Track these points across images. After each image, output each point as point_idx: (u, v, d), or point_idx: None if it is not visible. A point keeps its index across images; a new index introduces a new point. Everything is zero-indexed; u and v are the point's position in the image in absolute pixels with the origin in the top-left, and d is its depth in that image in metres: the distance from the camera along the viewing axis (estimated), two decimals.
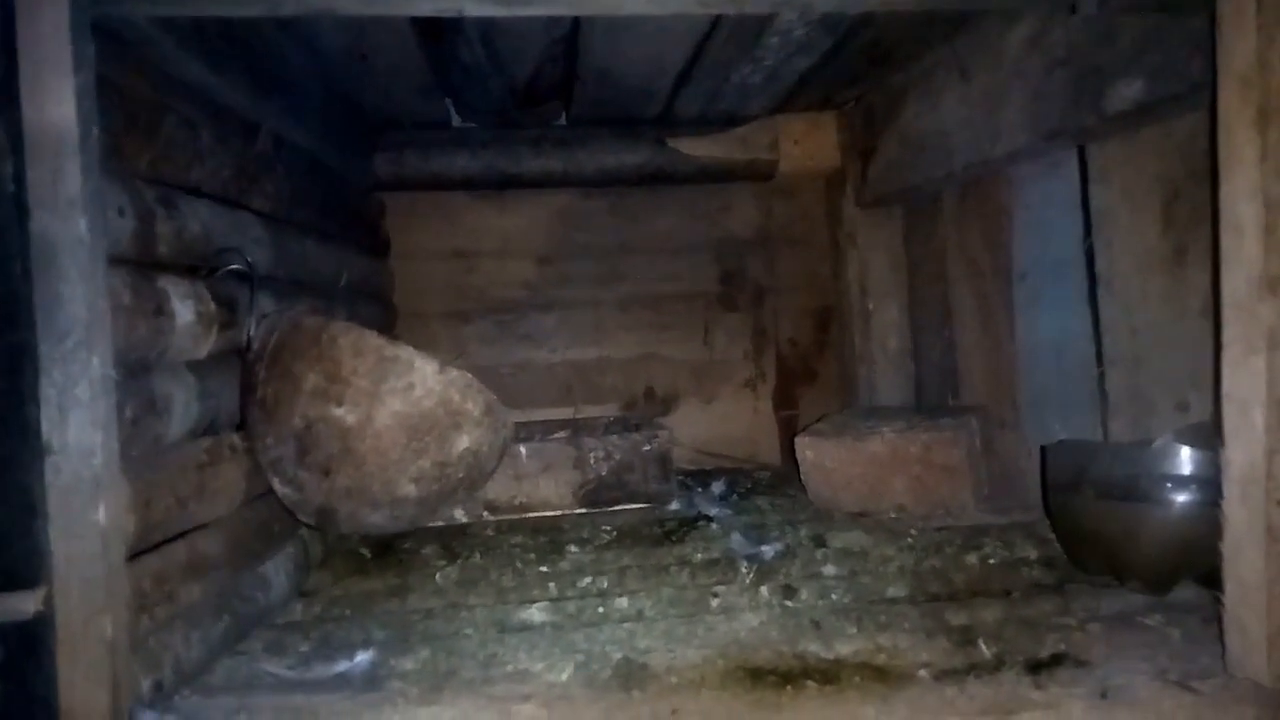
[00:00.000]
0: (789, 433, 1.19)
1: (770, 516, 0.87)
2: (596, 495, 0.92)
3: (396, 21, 0.76)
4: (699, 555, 0.74)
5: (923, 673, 0.48)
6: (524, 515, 0.90)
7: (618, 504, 0.92)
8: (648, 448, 0.93)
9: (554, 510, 0.90)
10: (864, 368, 1.14)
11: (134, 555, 0.46)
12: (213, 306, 0.57)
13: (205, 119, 0.61)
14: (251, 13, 0.49)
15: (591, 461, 0.91)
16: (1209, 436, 0.58)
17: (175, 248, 0.54)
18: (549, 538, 0.82)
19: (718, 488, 0.98)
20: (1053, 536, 0.70)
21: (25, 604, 0.41)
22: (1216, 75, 0.45)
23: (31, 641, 0.41)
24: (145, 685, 0.45)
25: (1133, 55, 0.59)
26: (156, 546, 0.49)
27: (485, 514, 0.90)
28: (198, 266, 0.57)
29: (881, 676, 0.48)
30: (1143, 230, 0.68)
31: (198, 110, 0.60)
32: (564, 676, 0.50)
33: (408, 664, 0.53)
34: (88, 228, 0.42)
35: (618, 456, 0.92)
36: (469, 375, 0.63)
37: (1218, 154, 0.45)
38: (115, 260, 0.46)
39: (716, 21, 0.78)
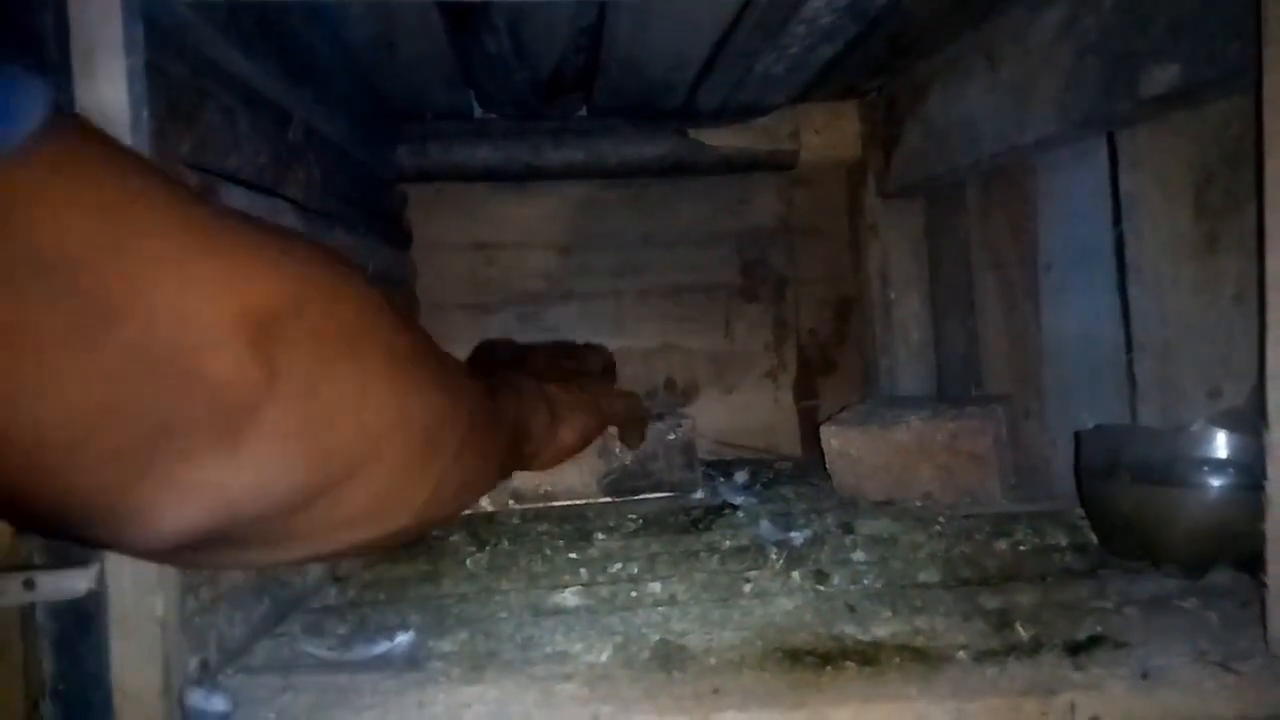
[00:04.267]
0: (809, 423, 1.19)
1: (796, 505, 0.87)
2: (620, 484, 0.92)
3: (425, 10, 0.76)
4: (727, 542, 0.74)
5: (961, 654, 0.48)
6: (550, 504, 0.90)
7: (642, 493, 0.92)
8: (672, 436, 0.93)
9: (579, 499, 0.91)
10: (885, 358, 1.14)
11: None
12: None
13: (241, 106, 0.61)
14: None
15: (616, 450, 0.91)
16: (1245, 421, 0.58)
17: None
18: (576, 525, 0.82)
19: (741, 477, 0.99)
20: (1083, 523, 0.70)
21: (78, 582, 0.41)
22: (1261, 56, 0.44)
23: (85, 619, 0.42)
24: (192, 664, 0.46)
25: (1168, 39, 0.59)
26: None
27: (511, 502, 0.90)
28: None
29: (920, 658, 0.48)
30: (1174, 216, 0.68)
31: (234, 98, 0.60)
32: (603, 657, 0.50)
33: (446, 646, 0.53)
34: None
35: (642, 445, 0.92)
36: None
37: (1262, 136, 0.45)
38: None
39: (743, 10, 0.78)
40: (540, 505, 0.90)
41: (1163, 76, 0.60)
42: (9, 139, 0.24)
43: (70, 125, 0.28)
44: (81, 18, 0.41)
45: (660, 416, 0.97)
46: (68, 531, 0.35)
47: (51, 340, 0.25)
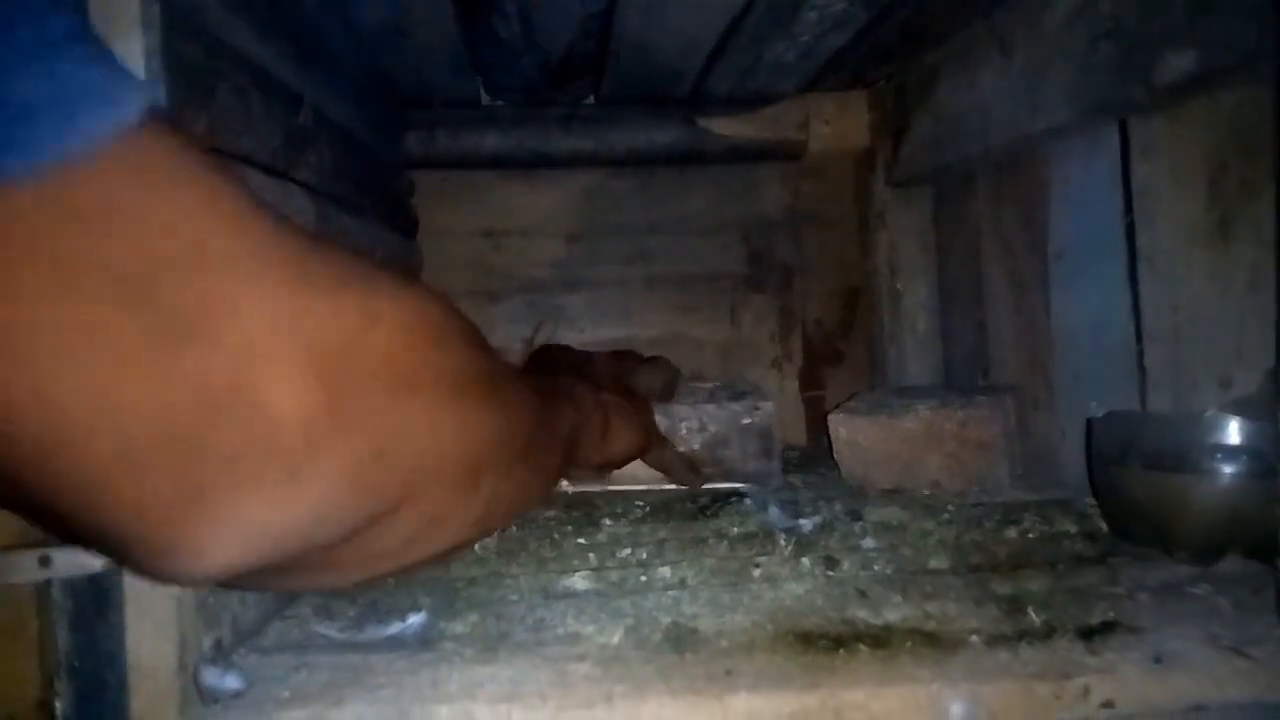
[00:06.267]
0: (815, 413, 1.19)
1: (803, 493, 0.87)
2: None
3: None
4: (736, 528, 0.74)
5: (974, 638, 0.48)
6: (606, 489, 0.85)
7: (711, 482, 0.84)
8: (747, 420, 0.84)
9: (640, 484, 0.82)
10: (892, 348, 1.14)
11: None
12: None
13: (254, 88, 0.61)
14: None
15: (683, 432, 0.83)
16: (1259, 409, 0.58)
17: None
18: (583, 511, 0.82)
19: None
20: (1092, 511, 0.70)
21: (94, 559, 0.41)
22: None
23: (100, 596, 0.42)
24: (206, 642, 0.46)
25: (1184, 26, 0.59)
26: None
27: (565, 486, 0.85)
28: None
29: (933, 642, 0.48)
30: (1186, 205, 0.67)
31: (247, 79, 0.60)
32: (615, 639, 0.50)
33: (458, 627, 0.53)
34: None
35: (713, 429, 0.83)
36: None
37: None
38: None
39: None
40: (596, 490, 0.84)
41: (1179, 63, 0.60)
42: (85, 140, 0.24)
43: (154, 130, 0.26)
44: None
45: (741, 396, 0.86)
46: (103, 548, 0.35)
47: (123, 346, 0.25)
